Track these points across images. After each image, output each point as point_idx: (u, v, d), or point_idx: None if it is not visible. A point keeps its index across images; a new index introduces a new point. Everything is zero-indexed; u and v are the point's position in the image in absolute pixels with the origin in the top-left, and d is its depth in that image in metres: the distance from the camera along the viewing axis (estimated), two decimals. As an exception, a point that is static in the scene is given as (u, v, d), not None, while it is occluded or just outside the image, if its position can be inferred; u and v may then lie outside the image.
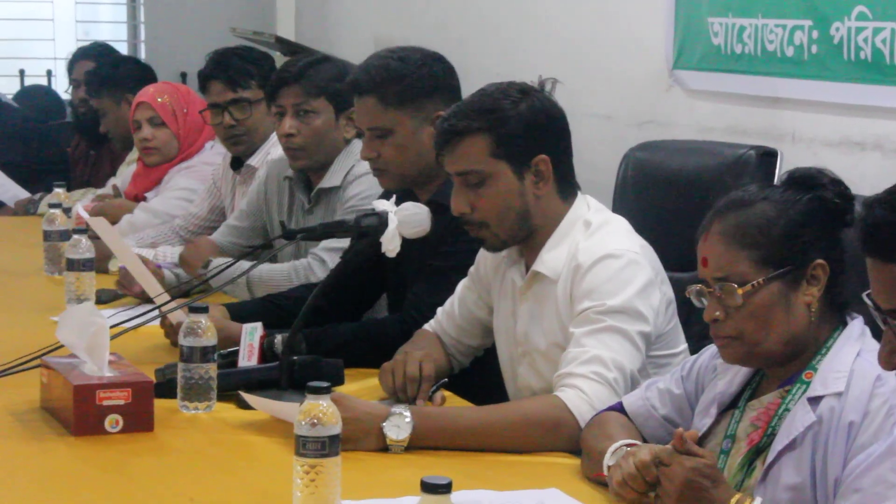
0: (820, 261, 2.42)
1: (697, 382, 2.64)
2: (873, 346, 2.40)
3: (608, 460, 2.48)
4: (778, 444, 2.38)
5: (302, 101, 3.98)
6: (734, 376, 2.55)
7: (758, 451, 2.43)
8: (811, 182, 2.46)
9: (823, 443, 2.34)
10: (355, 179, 3.99)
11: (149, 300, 3.63)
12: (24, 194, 6.14)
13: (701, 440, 2.53)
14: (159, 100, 5.20)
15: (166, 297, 3.41)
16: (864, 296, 2.07)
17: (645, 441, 2.64)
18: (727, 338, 2.46)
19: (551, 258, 3.04)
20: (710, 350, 2.66)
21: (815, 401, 2.37)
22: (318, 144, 4.01)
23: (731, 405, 2.53)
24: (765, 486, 2.38)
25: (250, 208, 4.34)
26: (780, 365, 2.47)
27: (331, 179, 4.04)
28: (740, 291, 2.41)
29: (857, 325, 2.45)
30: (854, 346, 2.41)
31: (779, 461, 2.38)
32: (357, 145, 4.04)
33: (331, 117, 4.02)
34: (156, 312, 3.37)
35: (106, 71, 5.94)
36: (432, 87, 3.51)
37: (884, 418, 2.29)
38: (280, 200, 4.24)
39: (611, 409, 2.72)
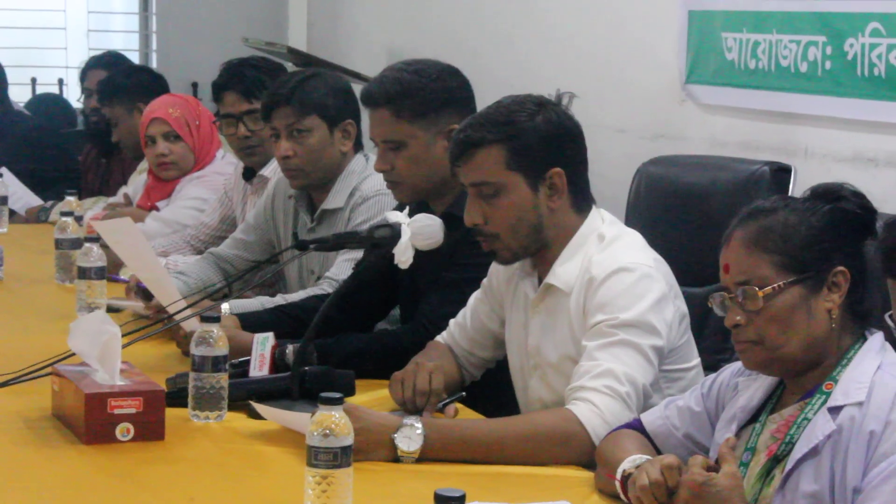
0: (841, 268, 2.43)
1: (718, 400, 2.64)
2: (894, 359, 2.41)
3: (626, 465, 2.48)
4: (797, 453, 2.39)
5: (294, 122, 3.95)
6: (755, 392, 2.55)
7: (777, 460, 2.43)
8: (833, 194, 2.49)
9: (843, 451, 2.34)
10: (362, 202, 3.98)
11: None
12: (36, 201, 6.15)
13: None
14: (172, 114, 5.19)
15: (179, 305, 3.40)
16: (885, 317, 2.07)
17: None
18: (748, 342, 2.47)
19: (564, 271, 3.04)
20: (731, 368, 2.66)
21: (835, 410, 2.38)
22: (315, 163, 3.99)
23: (751, 420, 2.53)
24: (783, 493, 2.39)
25: (257, 222, 4.33)
26: (801, 373, 2.47)
27: (334, 200, 4.02)
28: (761, 294, 2.43)
29: (877, 339, 2.46)
30: (875, 358, 2.42)
31: (798, 469, 2.38)
32: (358, 163, 4.03)
33: (325, 133, 3.99)
34: (168, 321, 3.37)
35: (118, 80, 5.94)
36: (446, 100, 3.51)
37: None
38: (285, 218, 4.24)
39: (628, 426, 2.72)
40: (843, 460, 2.34)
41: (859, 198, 2.49)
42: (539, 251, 3.06)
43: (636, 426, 2.71)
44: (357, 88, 4.02)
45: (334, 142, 4.01)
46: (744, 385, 2.58)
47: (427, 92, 3.49)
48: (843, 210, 2.46)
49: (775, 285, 2.43)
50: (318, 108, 3.97)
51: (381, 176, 3.77)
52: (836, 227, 2.45)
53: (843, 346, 2.46)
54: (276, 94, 3.99)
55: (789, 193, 3.46)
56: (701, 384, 2.70)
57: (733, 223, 2.52)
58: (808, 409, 2.43)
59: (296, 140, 3.96)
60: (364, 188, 3.99)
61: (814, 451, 2.37)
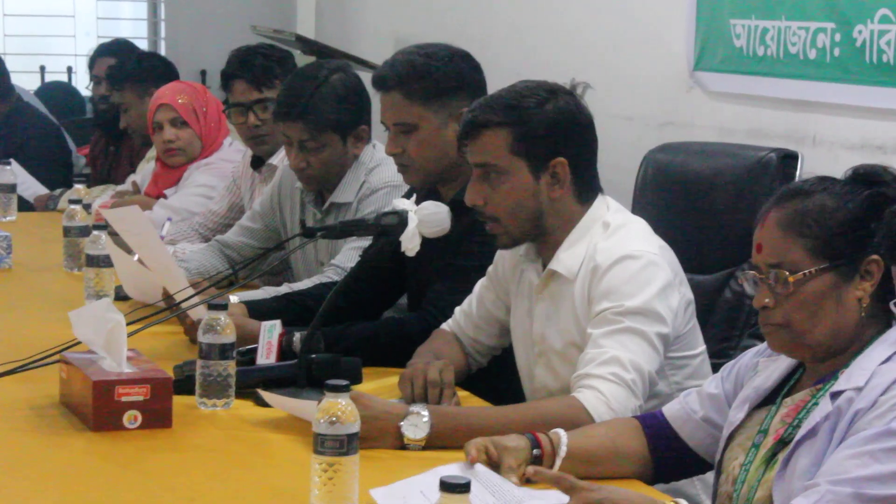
0: (875, 256, 2.38)
1: (737, 381, 2.63)
2: None
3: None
4: (798, 436, 2.38)
5: (308, 138, 3.91)
6: (772, 373, 2.54)
7: (783, 443, 2.42)
8: (874, 178, 2.43)
9: (835, 433, 2.32)
10: (370, 194, 3.97)
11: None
12: (42, 190, 6.16)
13: (732, 435, 2.54)
14: (179, 100, 5.20)
15: (187, 293, 3.40)
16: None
17: (690, 451, 2.68)
18: (775, 325, 2.43)
19: (567, 257, 3.03)
20: (752, 350, 2.65)
21: (836, 395, 2.36)
22: (328, 171, 3.98)
23: (768, 401, 2.52)
24: (783, 476, 2.37)
25: (263, 210, 4.32)
26: (824, 358, 2.44)
27: (343, 194, 4.01)
28: (791, 279, 2.39)
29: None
30: (887, 349, 2.37)
31: (797, 452, 2.37)
32: (367, 155, 4.02)
33: (339, 145, 3.96)
34: (175, 309, 3.38)
35: (130, 65, 5.93)
36: (458, 83, 3.51)
37: (887, 410, 2.27)
38: (292, 207, 4.23)
39: (651, 415, 2.72)
40: (833, 442, 2.32)
41: None
42: (540, 237, 3.06)
43: (658, 417, 2.71)
44: (364, 77, 4.01)
45: (348, 149, 3.99)
46: (763, 366, 2.57)
47: (439, 74, 3.49)
48: (882, 195, 2.41)
49: (806, 271, 2.38)
50: (332, 124, 3.92)
51: (389, 167, 3.77)
52: (873, 213, 2.39)
53: (867, 333, 2.41)
54: (288, 107, 3.92)
55: (796, 180, 3.45)
56: (721, 369, 2.69)
57: (770, 202, 2.46)
58: (819, 394, 2.42)
59: (309, 153, 3.94)
60: (372, 180, 3.98)
61: (811, 434, 2.35)
